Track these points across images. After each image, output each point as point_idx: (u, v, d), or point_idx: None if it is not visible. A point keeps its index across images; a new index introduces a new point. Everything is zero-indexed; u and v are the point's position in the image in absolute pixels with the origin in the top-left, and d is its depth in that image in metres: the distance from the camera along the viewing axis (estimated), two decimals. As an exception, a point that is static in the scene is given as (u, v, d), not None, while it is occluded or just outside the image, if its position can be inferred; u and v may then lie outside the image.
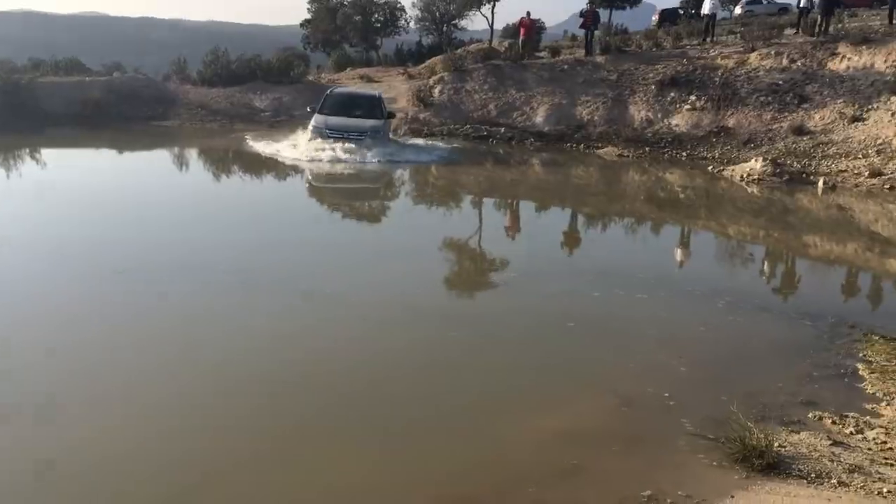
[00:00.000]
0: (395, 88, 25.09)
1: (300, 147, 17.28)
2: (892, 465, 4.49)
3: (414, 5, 35.54)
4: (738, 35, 24.89)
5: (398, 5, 36.69)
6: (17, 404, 4.93)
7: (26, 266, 7.94)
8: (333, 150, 16.73)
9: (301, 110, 23.46)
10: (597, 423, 4.99)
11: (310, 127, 17.55)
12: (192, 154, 18.74)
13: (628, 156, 19.07)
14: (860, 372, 5.93)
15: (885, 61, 19.49)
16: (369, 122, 17.62)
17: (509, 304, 7.59)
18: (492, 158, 18.99)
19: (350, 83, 26.71)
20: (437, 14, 34.64)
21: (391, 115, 19.15)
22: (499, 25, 34.05)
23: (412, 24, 36.09)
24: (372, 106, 18.57)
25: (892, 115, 17.63)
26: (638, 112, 21.38)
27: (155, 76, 27.89)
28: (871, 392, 5.58)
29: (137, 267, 7.94)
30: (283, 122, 22.25)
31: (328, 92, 19.18)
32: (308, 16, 39.54)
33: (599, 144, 20.28)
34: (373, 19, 36.30)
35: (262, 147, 17.96)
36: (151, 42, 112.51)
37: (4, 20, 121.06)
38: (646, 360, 6.04)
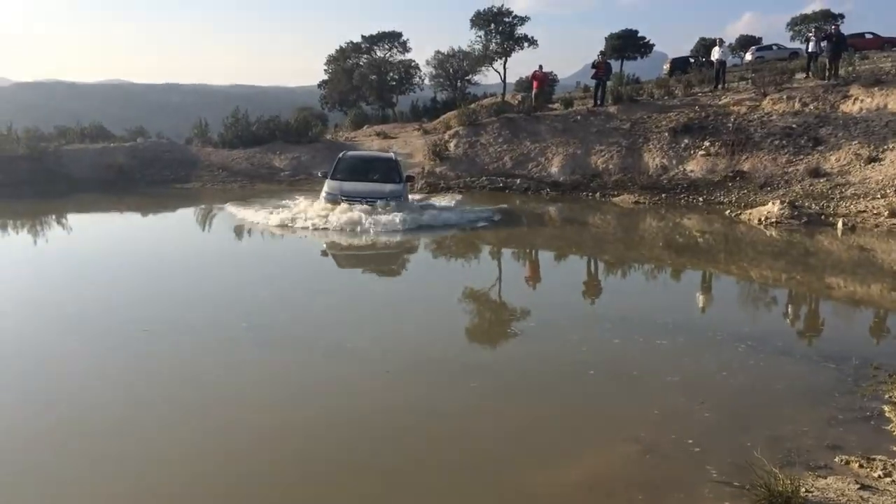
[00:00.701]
0: (411, 144, 25.52)
1: (313, 213, 15.69)
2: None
3: (428, 63, 36.40)
4: (750, 81, 25.16)
5: (413, 64, 37.57)
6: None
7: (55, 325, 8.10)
8: (352, 211, 15.41)
9: (319, 168, 23.94)
10: (620, 472, 4.96)
11: (322, 194, 16.33)
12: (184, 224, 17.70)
13: (644, 203, 19.15)
14: (886, 414, 5.85)
15: (898, 102, 19.55)
16: (388, 187, 16.43)
17: (529, 352, 7.60)
18: (533, 217, 18.35)
19: (367, 140, 27.21)
20: (451, 70, 35.40)
21: (409, 179, 17.94)
22: (512, 79, 34.73)
23: (427, 81, 36.89)
24: (388, 169, 17.30)
25: (909, 154, 17.61)
26: (652, 159, 21.52)
27: (177, 140, 28.60)
28: (898, 434, 5.49)
29: (163, 326, 8.07)
30: (301, 180, 22.65)
31: (340, 155, 17.98)
32: (325, 76, 40.59)
33: (615, 192, 20.40)
34: (388, 78, 37.14)
35: (262, 218, 15.92)
36: (174, 106, 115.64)
37: (32, 90, 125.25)
38: (668, 407, 6.00)
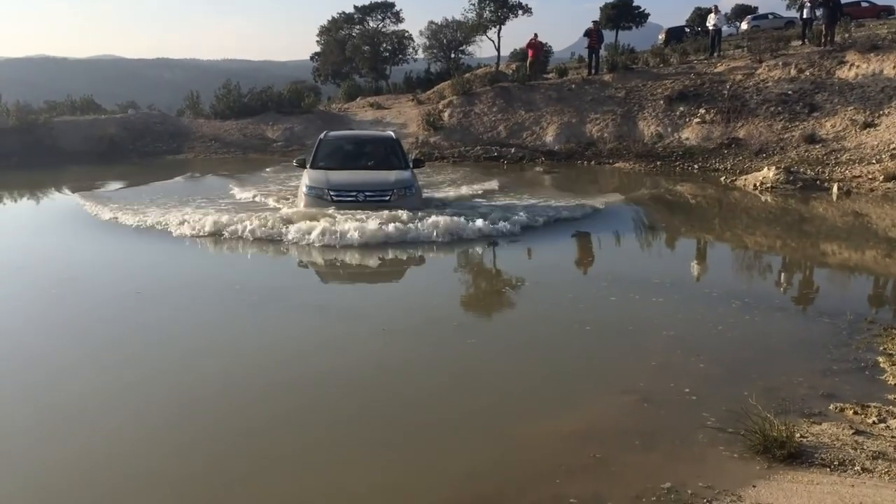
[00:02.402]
0: (405, 114, 25.35)
1: (298, 223, 10.84)
2: (916, 450, 4.41)
3: (421, 33, 36.00)
4: (745, 49, 24.99)
5: (406, 34, 37.17)
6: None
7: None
8: (361, 221, 10.56)
9: (313, 138, 23.79)
10: (617, 420, 4.95)
11: (302, 189, 11.86)
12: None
13: (640, 170, 19.06)
14: (881, 364, 5.85)
15: (894, 67, 19.46)
16: (392, 176, 12.08)
17: (525, 311, 7.60)
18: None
19: (361, 111, 27.03)
20: (445, 41, 35.02)
21: (418, 164, 13.18)
22: (506, 51, 34.38)
23: (420, 53, 36.51)
24: (387, 151, 12.99)
25: (904, 119, 17.55)
26: (647, 127, 21.43)
27: (169, 113, 28.38)
28: (892, 383, 5.49)
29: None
30: (294, 150, 22.49)
31: (321, 136, 13.33)
32: (318, 49, 40.16)
33: (610, 161, 20.34)
34: (381, 49, 36.75)
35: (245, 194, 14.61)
36: (166, 82, 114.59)
37: (22, 65, 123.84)
38: (664, 359, 6.00)
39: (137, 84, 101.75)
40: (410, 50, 36.71)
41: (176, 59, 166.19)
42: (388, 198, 11.50)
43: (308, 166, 12.46)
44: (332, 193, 11.46)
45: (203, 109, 27.12)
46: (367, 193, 11.56)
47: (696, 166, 19.08)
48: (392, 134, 14.29)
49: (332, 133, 14.12)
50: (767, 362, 5.97)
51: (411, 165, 12.79)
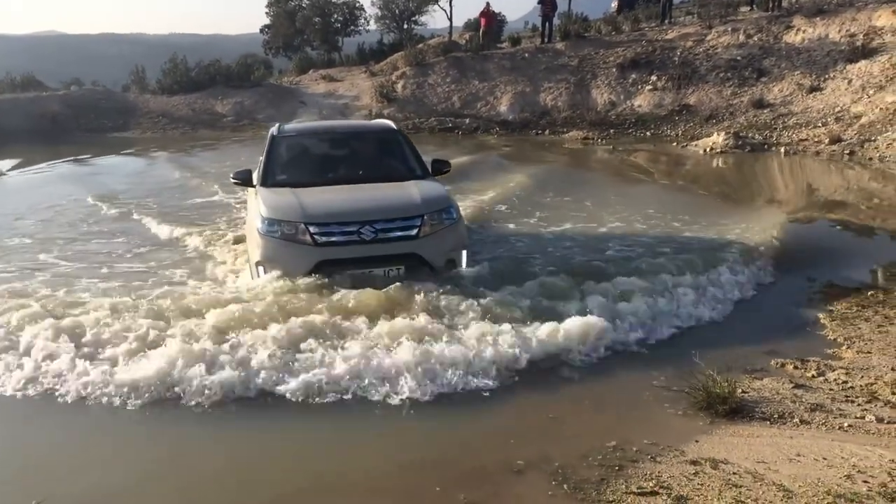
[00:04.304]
0: (358, 86, 25.03)
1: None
2: (852, 401, 4.54)
3: (373, 4, 35.45)
4: (696, 15, 25.14)
5: (357, 5, 36.48)
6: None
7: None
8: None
9: (264, 112, 23.41)
10: (567, 389, 4.98)
11: (257, 227, 6.53)
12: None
13: (593, 139, 19.13)
14: (821, 321, 5.99)
15: (840, 31, 19.81)
16: (414, 190, 6.95)
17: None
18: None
19: (313, 84, 26.59)
20: (397, 11, 34.51)
21: (440, 169, 7.78)
22: (459, 22, 34.08)
23: (372, 23, 35.93)
24: (390, 151, 8.03)
25: (849, 83, 17.93)
26: (601, 95, 21.50)
27: (114, 89, 27.58)
28: (831, 338, 5.64)
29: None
30: (244, 125, 22.08)
31: (274, 132, 8.03)
32: (267, 21, 39.26)
33: (564, 130, 20.38)
34: (332, 20, 36.05)
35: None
36: (112, 57, 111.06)
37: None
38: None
39: (82, 60, 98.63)
40: (362, 21, 36.08)
41: (122, 34, 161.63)
42: (415, 232, 6.39)
43: (259, 183, 7.22)
44: (313, 231, 6.26)
45: (150, 85, 26.41)
46: (376, 227, 6.30)
47: (648, 133, 19.23)
48: (391, 124, 8.67)
49: (291, 127, 8.73)
50: (711, 321, 6.07)
51: (430, 173, 7.61)
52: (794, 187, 12.81)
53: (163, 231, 9.32)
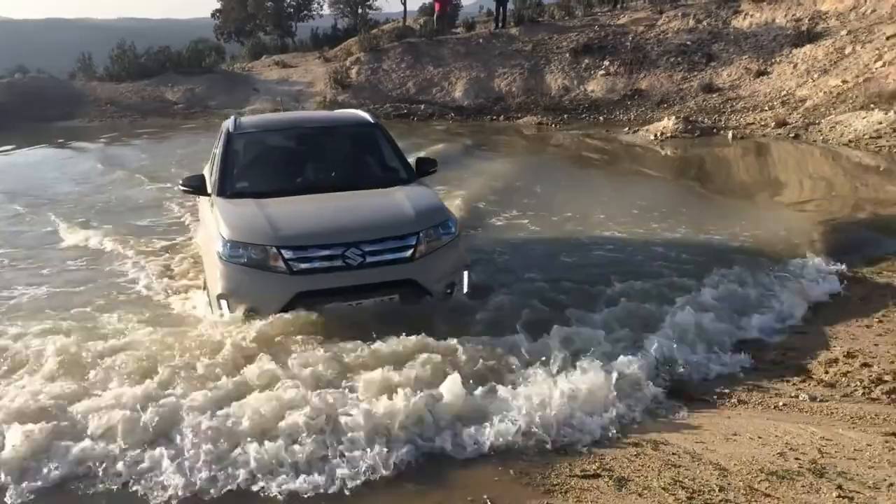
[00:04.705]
0: (312, 72, 24.79)
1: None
2: (787, 381, 4.71)
3: (326, -12, 35.04)
4: (647, 0, 25.41)
5: (310, -11, 36.08)
6: None
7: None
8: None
9: (216, 99, 23.05)
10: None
11: (216, 251, 5.36)
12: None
13: (548, 124, 19.27)
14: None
15: (786, 16, 20.23)
16: (403, 197, 5.94)
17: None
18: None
19: (266, 71, 26.24)
20: (351, -5, 34.24)
21: (425, 169, 6.72)
22: (414, 6, 33.93)
23: (326, 8, 35.57)
24: (367, 148, 6.99)
25: (795, 67, 18.34)
26: (554, 80, 21.65)
27: (60, 76, 26.87)
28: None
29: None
30: (196, 113, 21.73)
31: (229, 128, 6.74)
32: (218, 5, 38.53)
33: (519, 115, 20.47)
34: (285, 4, 35.57)
35: None
36: (59, 43, 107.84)
37: None
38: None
39: (26, 47, 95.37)
40: (316, 5, 35.70)
41: (68, 19, 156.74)
42: (409, 253, 5.40)
43: (214, 192, 6.10)
44: (288, 256, 5.20)
45: (97, 72, 25.79)
46: (363, 249, 5.28)
47: (601, 118, 19.44)
48: (367, 116, 7.30)
49: (250, 121, 7.45)
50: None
51: (416, 170, 6.65)
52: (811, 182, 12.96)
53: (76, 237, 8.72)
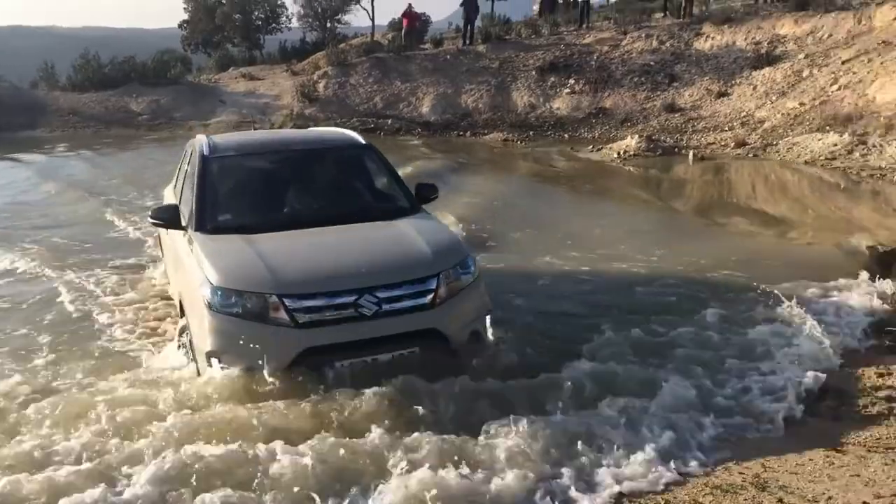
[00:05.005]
0: (280, 85, 24.77)
1: None
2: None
3: (295, 1, 35.13)
4: (612, 20, 25.86)
5: (279, 2, 36.14)
6: None
7: None
8: None
9: (181, 111, 22.88)
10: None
11: (203, 298, 4.49)
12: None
13: (513, 140, 19.46)
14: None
15: (746, 39, 20.73)
16: (413, 234, 5.07)
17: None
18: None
19: (233, 83, 26.15)
20: (319, 9, 34.32)
21: (426, 196, 5.85)
22: (384, 20, 34.12)
23: (294, 21, 35.64)
24: (359, 172, 6.16)
25: (754, 89, 18.79)
26: (521, 98, 21.89)
27: (21, 85, 26.46)
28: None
29: None
30: (161, 125, 21.54)
31: (203, 151, 5.76)
32: (185, 16, 38.35)
33: (485, 131, 20.64)
34: (253, 17, 35.58)
35: None
36: (22, 51, 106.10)
37: None
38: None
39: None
40: (284, 19, 35.78)
41: (32, 27, 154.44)
42: (429, 299, 4.66)
43: (193, 226, 5.22)
44: (292, 306, 4.42)
45: (60, 81, 25.46)
46: (378, 295, 4.53)
47: (566, 135, 19.68)
48: (358, 137, 6.41)
49: (226, 141, 6.32)
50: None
51: (415, 196, 5.84)
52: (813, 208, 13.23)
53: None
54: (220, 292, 4.43)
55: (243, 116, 21.72)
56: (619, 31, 23.49)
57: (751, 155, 15.33)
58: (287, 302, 4.36)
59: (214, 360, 4.44)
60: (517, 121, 20.94)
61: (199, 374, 4.60)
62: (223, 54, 33.57)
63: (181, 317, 5.09)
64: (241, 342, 4.36)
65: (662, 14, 24.90)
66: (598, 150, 17.30)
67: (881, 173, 12.29)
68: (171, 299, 6.14)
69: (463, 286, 4.81)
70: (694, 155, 15.80)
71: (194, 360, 4.69)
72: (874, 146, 13.47)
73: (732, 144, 16.21)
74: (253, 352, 4.35)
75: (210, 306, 4.43)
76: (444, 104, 22.24)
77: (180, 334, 5.10)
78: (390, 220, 5.36)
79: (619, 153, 16.32)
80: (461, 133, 20.81)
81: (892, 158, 12.70)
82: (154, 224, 5.56)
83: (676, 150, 16.57)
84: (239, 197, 5.67)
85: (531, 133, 20.06)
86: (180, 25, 39.16)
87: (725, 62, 20.30)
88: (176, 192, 6.38)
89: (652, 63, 21.39)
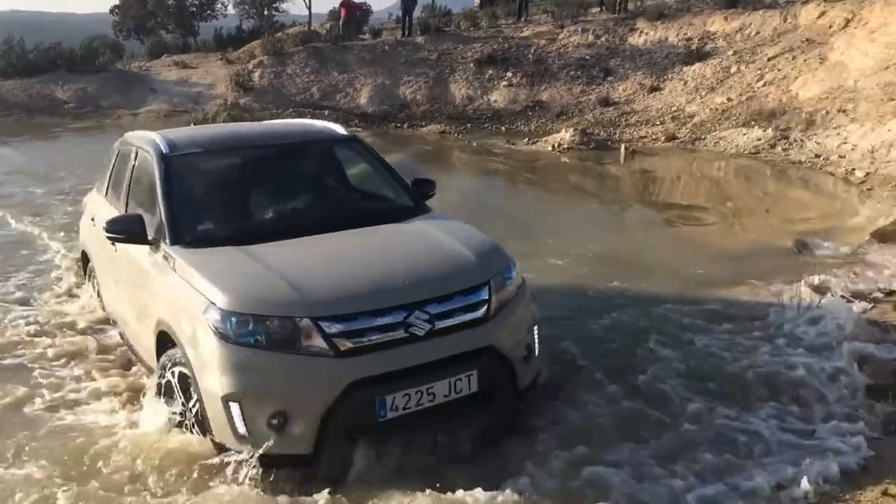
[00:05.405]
0: (213, 74, 24.23)
1: None
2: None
3: (232, -12, 34.38)
4: (550, 14, 26.09)
5: (215, -12, 35.36)
6: None
7: None
8: None
9: (110, 99, 22.17)
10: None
11: (215, 327, 3.57)
12: None
13: (451, 132, 19.46)
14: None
15: (678, 35, 21.18)
16: (447, 240, 4.30)
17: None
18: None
19: (165, 71, 25.46)
20: (257, -3, 33.73)
21: (425, 192, 5.15)
22: (323, 10, 33.69)
23: (230, 8, 34.93)
24: (352, 166, 5.57)
25: (685, 84, 19.21)
26: (459, 90, 21.91)
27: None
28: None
29: None
30: (88, 113, 20.84)
31: (161, 148, 4.71)
32: (117, 1, 37.19)
33: (423, 123, 20.57)
34: (188, 3, 34.71)
35: None
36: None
37: None
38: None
39: None
40: (220, 5, 35.00)
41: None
42: (483, 311, 3.92)
43: (167, 240, 4.24)
44: (329, 330, 3.55)
45: (-21, 68, 24.37)
46: (429, 310, 3.75)
47: (503, 128, 19.78)
48: (341, 129, 5.54)
49: (185, 137, 5.21)
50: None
51: (413, 191, 5.14)
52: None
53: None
54: (234, 319, 3.54)
55: (175, 105, 21.17)
56: (556, 25, 23.71)
57: (680, 148, 15.68)
58: (324, 325, 3.52)
59: (235, 407, 3.48)
60: (455, 113, 20.95)
61: (207, 432, 3.66)
62: (156, 41, 32.65)
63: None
64: (269, 380, 3.51)
65: (599, 9, 25.23)
66: (534, 142, 17.43)
67: (800, 166, 12.76)
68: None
69: (511, 296, 4.14)
70: (626, 148, 16.07)
71: (195, 416, 3.75)
72: (795, 141, 13.95)
73: (663, 138, 16.55)
74: (284, 392, 3.52)
75: (221, 335, 3.54)
76: (382, 95, 22.10)
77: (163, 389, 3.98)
78: (405, 222, 4.61)
79: (553, 146, 16.49)
80: (399, 125, 20.70)
81: (812, 153, 13.16)
82: (113, 239, 4.44)
83: (609, 143, 16.81)
84: (219, 202, 4.79)
85: (469, 125, 20.09)
86: (111, 11, 37.99)
87: (658, 57, 20.69)
88: (119, 200, 5.23)
89: (588, 57, 21.66)
